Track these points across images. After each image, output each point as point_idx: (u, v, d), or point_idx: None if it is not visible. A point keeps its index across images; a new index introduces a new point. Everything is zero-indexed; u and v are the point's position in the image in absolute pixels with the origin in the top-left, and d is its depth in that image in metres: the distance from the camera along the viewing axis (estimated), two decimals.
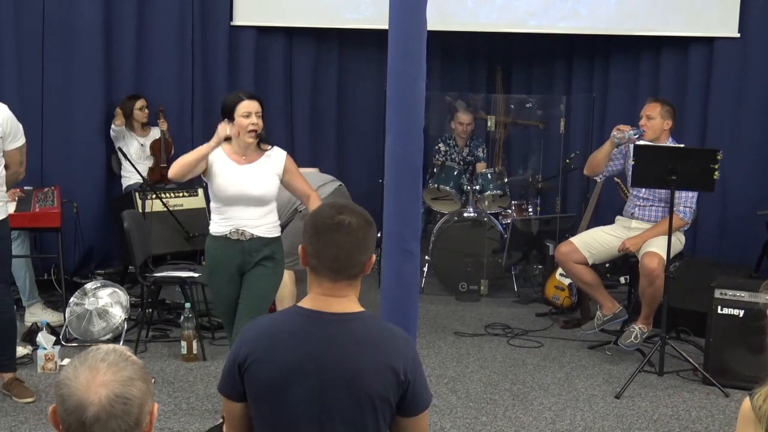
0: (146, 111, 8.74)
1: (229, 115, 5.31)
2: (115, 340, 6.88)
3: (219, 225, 5.37)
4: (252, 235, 5.33)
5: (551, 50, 10.30)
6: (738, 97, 8.99)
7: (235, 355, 2.87)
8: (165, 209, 7.88)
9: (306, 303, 2.91)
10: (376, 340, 2.87)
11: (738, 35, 8.91)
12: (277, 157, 5.41)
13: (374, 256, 2.98)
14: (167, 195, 8.13)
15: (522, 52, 10.48)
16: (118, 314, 7.01)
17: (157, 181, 8.37)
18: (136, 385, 2.20)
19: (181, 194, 8.30)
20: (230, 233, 5.32)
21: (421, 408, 2.91)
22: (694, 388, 6.34)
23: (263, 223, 5.36)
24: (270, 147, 5.43)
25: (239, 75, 9.60)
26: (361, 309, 2.92)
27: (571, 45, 10.11)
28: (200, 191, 8.41)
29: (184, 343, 6.63)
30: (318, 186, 7.02)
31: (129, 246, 6.81)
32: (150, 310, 7.27)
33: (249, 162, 5.35)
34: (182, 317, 6.73)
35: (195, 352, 6.65)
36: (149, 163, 8.65)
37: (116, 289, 7.12)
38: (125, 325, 6.99)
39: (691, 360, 6.44)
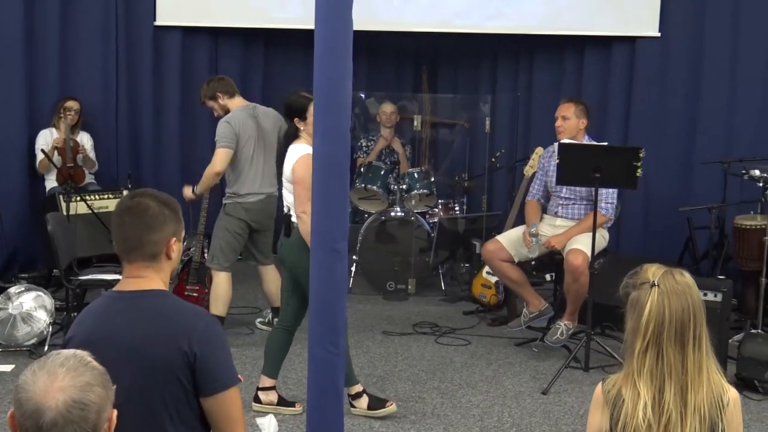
0: (76, 114, 8.65)
1: (300, 115, 5.56)
2: (40, 344, 6.79)
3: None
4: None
5: (477, 50, 10.35)
6: (659, 96, 9.12)
7: (66, 340, 2.98)
8: (90, 211, 7.78)
9: (116, 286, 3.04)
10: (164, 313, 2.91)
11: (659, 34, 9.04)
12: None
13: (174, 240, 3.03)
14: (92, 197, 8.04)
15: (448, 52, 10.52)
16: (42, 318, 6.90)
17: (63, 183, 8.23)
18: (95, 390, 2.19)
19: (106, 196, 8.21)
20: None
21: (218, 387, 2.87)
22: None
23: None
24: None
25: (164, 76, 9.52)
26: (160, 288, 2.99)
27: (497, 45, 10.17)
28: (125, 193, 8.32)
29: None
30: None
31: (53, 249, 6.72)
32: (75, 313, 7.16)
33: None
34: None
35: None
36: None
37: (41, 293, 7.01)
38: (50, 330, 6.88)
39: (615, 355, 6.53)
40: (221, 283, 7.02)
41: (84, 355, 2.26)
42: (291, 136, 5.64)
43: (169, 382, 2.82)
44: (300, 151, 5.44)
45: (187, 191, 7.23)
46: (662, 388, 2.79)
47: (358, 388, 5.77)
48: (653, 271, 2.89)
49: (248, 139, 7.03)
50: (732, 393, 2.88)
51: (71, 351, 2.27)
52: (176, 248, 3.04)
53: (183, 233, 3.10)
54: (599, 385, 2.95)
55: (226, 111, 7.18)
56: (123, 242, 2.97)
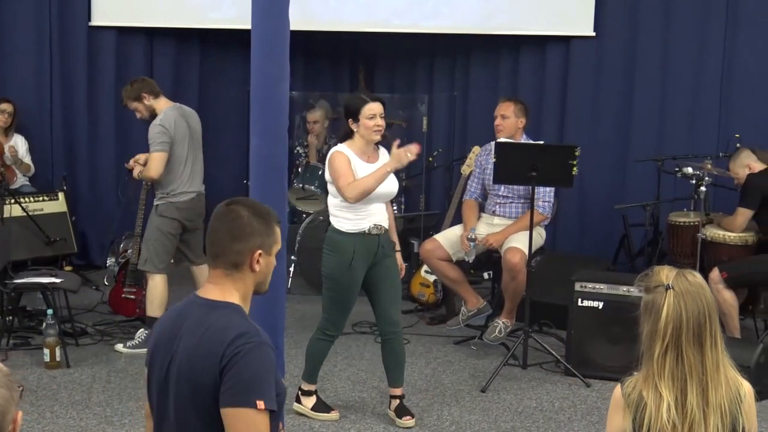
0: (9, 115, 8.54)
1: (354, 116, 5.54)
2: None
3: (356, 222, 5.53)
4: (385, 228, 5.59)
5: (414, 49, 10.36)
6: (594, 95, 9.21)
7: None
8: (24, 214, 7.69)
9: (199, 290, 3.06)
10: (217, 326, 2.88)
11: (593, 34, 9.13)
12: (386, 154, 5.65)
13: (260, 253, 2.99)
14: (26, 199, 7.94)
15: (385, 52, 10.52)
16: None
17: None
18: None
19: (41, 198, 8.12)
20: (370, 229, 5.52)
21: (232, 401, 2.80)
22: (556, 379, 6.49)
23: (387, 216, 5.66)
24: (379, 147, 5.71)
25: (99, 76, 9.42)
26: (232, 301, 2.97)
27: (433, 44, 10.20)
28: (61, 195, 8.25)
29: (47, 351, 6.49)
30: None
31: None
32: (10, 317, 7.08)
33: (374, 161, 5.59)
34: (44, 324, 6.58)
35: (58, 359, 6.52)
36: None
37: None
38: None
39: (553, 352, 6.59)
40: (158, 285, 6.95)
41: None
42: (345, 136, 5.64)
43: (208, 391, 2.83)
44: (331, 150, 5.61)
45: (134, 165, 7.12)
46: (684, 389, 2.83)
47: (311, 387, 5.79)
48: (666, 274, 2.92)
49: (182, 140, 6.95)
50: (746, 386, 2.93)
51: None
52: (263, 261, 3.01)
53: (275, 247, 3.07)
54: (617, 388, 2.96)
55: (152, 112, 7.01)
56: (210, 248, 3.02)
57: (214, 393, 2.81)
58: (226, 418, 2.80)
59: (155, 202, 7.01)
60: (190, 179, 7.02)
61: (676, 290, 2.86)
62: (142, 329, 6.97)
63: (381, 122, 5.49)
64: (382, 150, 5.67)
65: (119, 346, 6.92)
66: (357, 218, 5.53)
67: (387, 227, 5.61)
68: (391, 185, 5.57)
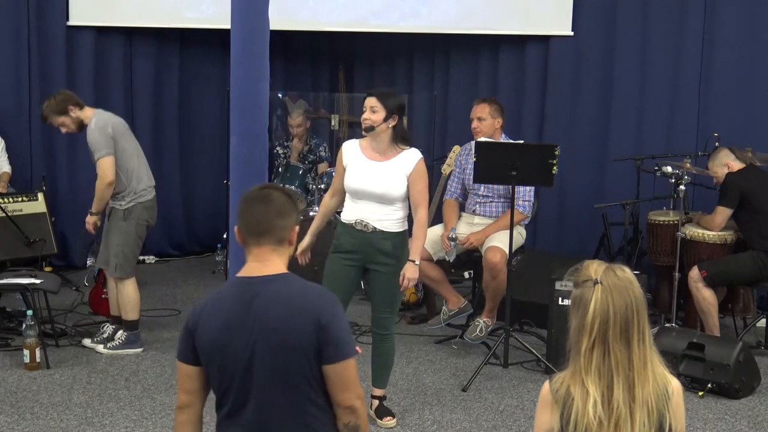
0: None
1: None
2: None
3: (348, 213, 5.61)
4: (374, 228, 5.49)
5: (393, 49, 10.37)
6: (573, 94, 9.23)
7: (187, 323, 3.19)
8: (3, 215, 7.65)
9: (241, 272, 3.22)
10: (296, 294, 3.15)
11: (572, 33, 9.15)
12: (410, 157, 5.50)
13: (297, 229, 3.29)
14: (5, 200, 7.91)
15: (364, 51, 10.53)
16: None
17: None
18: None
19: (20, 199, 8.09)
20: (356, 223, 5.54)
21: (339, 355, 3.10)
22: (537, 378, 6.50)
23: (387, 219, 5.52)
24: (407, 147, 5.55)
25: (78, 77, 9.37)
26: (285, 271, 3.22)
27: (412, 44, 10.21)
28: (40, 196, 8.22)
29: (26, 352, 6.47)
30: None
31: None
32: None
33: (384, 159, 5.51)
34: (24, 325, 6.56)
35: (38, 360, 6.49)
36: None
37: None
38: None
39: (534, 351, 6.60)
40: (130, 290, 6.87)
41: None
42: None
43: (307, 357, 3.08)
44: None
45: (90, 219, 6.91)
46: (610, 384, 2.82)
47: None
48: (595, 268, 2.90)
49: (123, 135, 6.85)
50: (675, 383, 2.92)
51: None
52: (295, 236, 3.29)
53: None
54: (546, 384, 2.95)
55: (79, 124, 6.84)
56: (256, 225, 3.18)
57: (313, 355, 3.08)
58: (336, 371, 3.11)
59: (121, 206, 6.85)
60: (146, 173, 6.99)
61: (604, 285, 2.85)
62: (120, 331, 6.91)
63: (366, 115, 5.45)
64: (410, 152, 5.51)
65: (99, 347, 6.86)
66: (347, 209, 5.61)
67: (382, 229, 5.50)
68: (371, 182, 5.48)
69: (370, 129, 5.47)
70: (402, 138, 5.53)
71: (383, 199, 5.47)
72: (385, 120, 5.44)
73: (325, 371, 3.11)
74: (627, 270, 2.93)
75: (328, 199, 5.85)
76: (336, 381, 3.12)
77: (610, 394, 2.82)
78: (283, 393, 3.11)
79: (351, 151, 5.60)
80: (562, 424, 2.85)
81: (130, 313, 6.86)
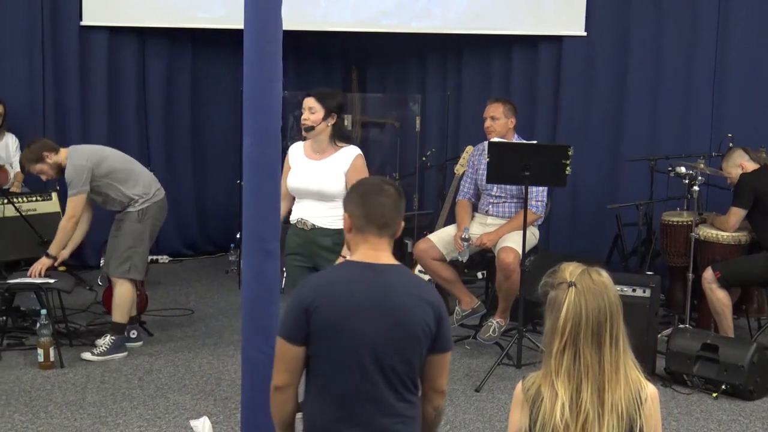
0: None
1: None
2: None
3: (293, 213, 5.69)
4: (314, 225, 5.52)
5: (406, 49, 10.37)
6: (586, 94, 9.21)
7: (301, 302, 3.24)
8: (18, 214, 7.67)
9: (356, 257, 3.36)
10: (414, 284, 3.37)
11: (585, 34, 9.13)
12: (348, 154, 5.55)
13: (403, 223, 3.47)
14: (20, 200, 7.93)
15: (376, 52, 10.54)
16: None
17: None
18: None
19: (34, 199, 8.10)
20: (297, 222, 5.62)
21: (448, 347, 3.37)
22: None
23: (326, 215, 5.53)
24: (345, 144, 5.59)
25: (91, 76, 9.41)
26: (397, 263, 3.38)
27: (425, 44, 10.21)
28: (54, 195, 8.23)
29: (40, 351, 6.48)
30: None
31: None
32: (4, 317, 7.07)
33: (322, 157, 5.56)
34: (38, 324, 6.57)
35: (52, 359, 6.50)
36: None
37: None
38: None
39: None
40: (129, 291, 6.85)
41: None
42: None
43: (422, 345, 3.26)
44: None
45: (45, 262, 6.79)
46: (579, 388, 2.82)
47: None
48: (571, 271, 2.91)
49: (105, 158, 6.80)
50: (650, 389, 2.91)
51: None
52: (401, 229, 3.46)
53: None
54: (519, 384, 2.97)
55: (58, 168, 6.78)
56: (380, 218, 3.33)
57: (427, 344, 3.28)
58: (442, 359, 3.36)
59: (135, 209, 6.83)
60: (150, 175, 7.03)
61: (578, 288, 2.86)
62: (108, 336, 6.86)
63: (305, 116, 5.50)
64: (348, 150, 5.55)
65: (87, 355, 6.77)
66: (293, 210, 5.69)
67: (321, 226, 5.51)
68: (308, 180, 5.53)
69: (310, 129, 5.51)
70: (340, 136, 5.59)
71: (321, 196, 5.50)
72: (324, 119, 5.50)
73: (432, 359, 3.32)
74: (604, 274, 2.93)
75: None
76: (438, 368, 3.36)
77: (578, 396, 2.83)
78: (393, 375, 3.24)
79: (294, 152, 5.69)
80: (530, 424, 2.87)
81: (120, 316, 6.84)
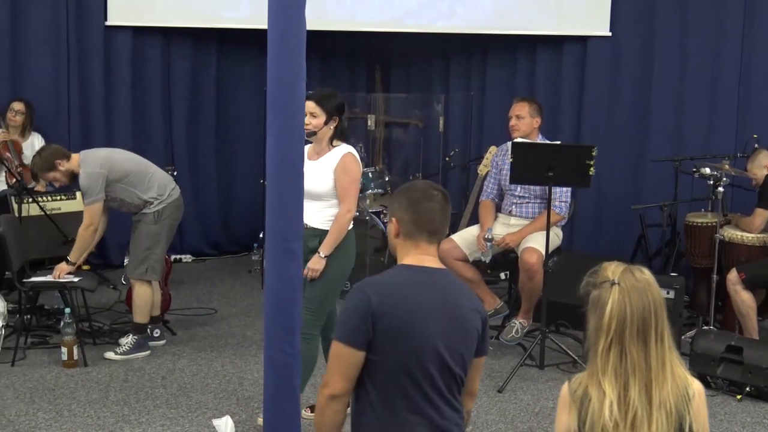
0: (21, 115, 8.55)
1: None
2: None
3: None
4: (306, 225, 5.41)
5: (429, 49, 10.37)
6: (610, 95, 9.20)
7: (366, 306, 3.18)
8: (42, 213, 7.71)
9: (408, 261, 3.37)
10: (464, 287, 3.47)
11: (609, 34, 9.11)
12: (338, 153, 5.49)
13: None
14: (44, 199, 7.96)
15: (400, 51, 10.53)
16: None
17: (13, 183, 8.10)
18: None
19: (59, 198, 8.13)
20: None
21: (486, 350, 3.46)
22: None
23: (316, 215, 5.52)
24: (339, 144, 5.56)
25: (115, 76, 9.45)
26: (444, 267, 3.44)
27: (449, 44, 10.20)
28: (78, 194, 8.26)
29: (64, 349, 6.52)
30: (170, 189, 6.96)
31: (5, 251, 6.68)
32: (28, 316, 7.11)
33: (317, 158, 5.55)
34: (62, 323, 6.60)
35: (76, 357, 6.54)
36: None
37: None
38: (3, 333, 6.80)
39: (570, 353, 6.58)
40: (148, 291, 6.87)
41: None
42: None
43: (473, 348, 3.34)
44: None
45: (63, 267, 6.78)
46: (627, 386, 2.80)
47: None
48: (613, 269, 2.89)
49: (118, 162, 6.80)
50: (696, 385, 2.90)
51: None
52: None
53: None
54: (565, 385, 2.96)
55: (70, 175, 6.77)
56: (431, 223, 3.36)
57: (475, 346, 3.36)
58: (481, 362, 3.45)
59: (151, 210, 6.83)
60: (163, 174, 7.02)
61: (622, 286, 2.84)
62: (131, 336, 6.88)
63: (307, 120, 5.33)
64: (339, 149, 5.52)
65: (110, 354, 6.80)
66: None
67: (312, 225, 5.49)
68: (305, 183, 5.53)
69: (312, 134, 5.48)
70: (339, 136, 5.57)
71: (312, 196, 5.42)
72: (326, 123, 5.48)
73: (474, 362, 3.39)
74: (646, 271, 2.92)
75: None
76: (475, 371, 3.44)
77: (626, 394, 2.81)
78: (450, 377, 3.27)
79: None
80: (579, 424, 2.85)
81: (141, 316, 6.87)
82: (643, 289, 2.85)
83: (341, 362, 3.23)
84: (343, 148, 5.52)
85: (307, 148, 5.62)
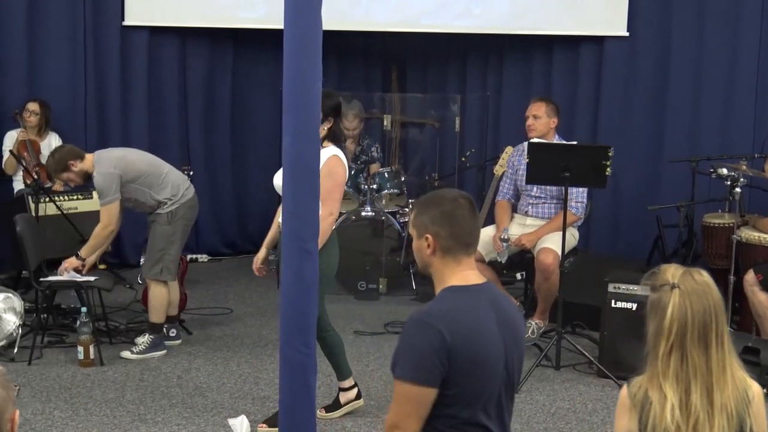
0: (36, 116, 8.58)
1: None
2: (10, 346, 6.74)
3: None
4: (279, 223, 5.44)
5: (446, 49, 10.37)
6: (627, 95, 9.18)
7: (442, 343, 2.99)
8: (59, 212, 7.73)
9: (456, 282, 3.18)
10: (507, 299, 3.35)
11: (627, 34, 9.09)
12: (323, 155, 5.34)
13: None
14: (61, 198, 7.98)
15: (417, 51, 10.53)
16: (12, 320, 6.84)
17: (30, 183, 8.13)
18: None
19: (75, 197, 8.15)
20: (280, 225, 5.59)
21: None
22: (589, 381, 6.45)
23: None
24: (328, 146, 5.47)
25: (132, 76, 9.48)
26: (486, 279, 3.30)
27: (466, 44, 10.19)
28: (95, 194, 8.28)
29: (80, 348, 6.53)
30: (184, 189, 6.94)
31: (22, 251, 6.70)
32: (45, 315, 7.13)
33: None
34: (78, 322, 6.62)
35: (92, 357, 6.55)
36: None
37: (10, 295, 6.94)
38: (20, 332, 6.83)
39: (586, 353, 6.56)
40: (164, 291, 6.88)
41: None
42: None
43: (524, 349, 3.33)
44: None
45: (72, 262, 6.79)
46: (688, 389, 2.79)
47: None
48: (673, 272, 2.87)
49: (132, 162, 6.79)
50: (755, 387, 2.89)
51: None
52: None
53: None
54: (624, 389, 2.95)
55: (84, 175, 6.79)
56: (468, 236, 3.22)
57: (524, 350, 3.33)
58: None
59: (164, 210, 6.83)
60: (178, 174, 7.02)
61: (682, 289, 2.82)
62: (147, 335, 6.90)
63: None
64: (326, 150, 5.43)
65: (126, 353, 6.81)
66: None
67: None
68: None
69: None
70: (332, 138, 5.50)
71: None
72: (321, 123, 5.39)
73: None
74: (705, 274, 2.89)
75: None
76: None
77: (687, 398, 2.79)
78: (511, 393, 3.26)
79: None
80: (640, 428, 2.83)
81: (157, 316, 6.88)
82: (703, 292, 2.82)
83: (416, 404, 3.04)
84: (330, 150, 5.44)
85: None
